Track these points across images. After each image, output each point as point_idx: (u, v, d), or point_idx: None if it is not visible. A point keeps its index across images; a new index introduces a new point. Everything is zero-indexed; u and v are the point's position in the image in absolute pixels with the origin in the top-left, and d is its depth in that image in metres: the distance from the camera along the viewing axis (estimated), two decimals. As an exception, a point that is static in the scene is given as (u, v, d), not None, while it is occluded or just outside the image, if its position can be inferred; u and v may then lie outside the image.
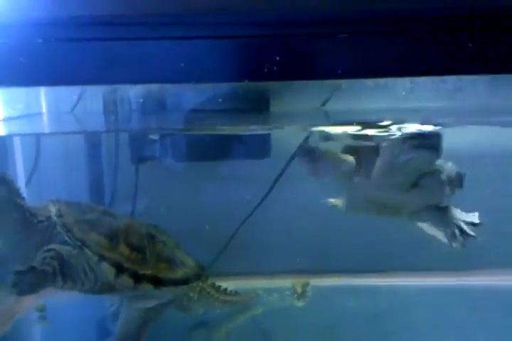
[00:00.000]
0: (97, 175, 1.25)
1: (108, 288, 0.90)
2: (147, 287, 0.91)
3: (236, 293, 1.12)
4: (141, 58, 0.68)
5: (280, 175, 1.22)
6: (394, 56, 0.69)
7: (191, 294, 1.03)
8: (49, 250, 0.86)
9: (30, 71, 0.67)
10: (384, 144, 0.91)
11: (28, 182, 1.22)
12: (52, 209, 0.90)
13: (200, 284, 1.03)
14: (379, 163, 0.92)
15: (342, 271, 1.29)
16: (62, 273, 0.86)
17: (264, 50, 0.68)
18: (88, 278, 0.88)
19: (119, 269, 0.88)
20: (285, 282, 1.26)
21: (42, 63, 0.67)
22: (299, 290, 1.24)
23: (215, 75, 0.70)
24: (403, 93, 0.94)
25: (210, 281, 1.07)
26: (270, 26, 0.69)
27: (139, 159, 1.23)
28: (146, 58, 0.68)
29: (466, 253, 0.99)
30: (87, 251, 0.87)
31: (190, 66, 0.68)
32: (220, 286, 1.09)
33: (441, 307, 1.13)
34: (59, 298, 1.11)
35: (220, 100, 1.02)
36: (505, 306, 1.14)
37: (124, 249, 0.91)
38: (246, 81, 0.70)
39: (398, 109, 1.02)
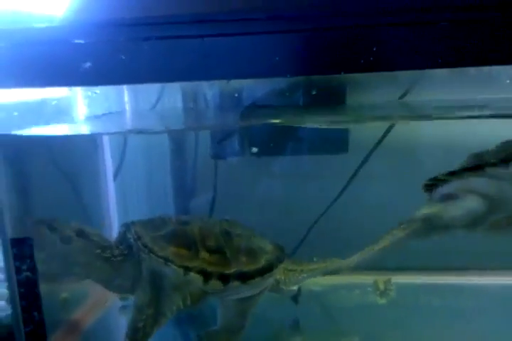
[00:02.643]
0: (179, 172, 1.28)
1: (202, 295, 0.92)
2: (236, 284, 0.92)
3: (317, 260, 1.10)
4: (230, 53, 0.68)
5: (359, 168, 1.21)
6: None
7: (278, 276, 1.03)
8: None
9: (116, 69, 0.70)
10: None
11: (114, 180, 1.27)
12: (130, 236, 0.93)
13: (283, 265, 1.02)
14: None
15: (424, 269, 1.26)
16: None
17: (360, 41, 0.68)
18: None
19: (206, 275, 0.90)
20: (367, 278, 1.24)
21: (128, 61, 0.69)
22: (381, 287, 1.23)
23: (308, 68, 0.70)
24: (507, 81, 0.90)
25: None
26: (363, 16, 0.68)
27: (218, 155, 1.24)
28: (235, 53, 0.68)
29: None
30: (171, 266, 0.89)
31: (282, 59, 0.68)
32: (300, 260, 1.08)
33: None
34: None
35: (297, 94, 1.02)
36: None
37: (204, 254, 0.92)
38: (342, 73, 0.69)
39: (498, 100, 0.98)
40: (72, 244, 0.89)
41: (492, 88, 0.95)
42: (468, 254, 1.21)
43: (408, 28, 0.66)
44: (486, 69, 0.75)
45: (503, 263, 1.19)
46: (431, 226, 0.90)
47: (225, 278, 0.91)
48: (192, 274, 0.89)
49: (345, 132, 1.19)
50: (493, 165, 0.81)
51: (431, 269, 1.26)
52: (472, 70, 0.78)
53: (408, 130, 1.16)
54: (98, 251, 0.91)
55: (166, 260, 0.89)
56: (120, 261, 0.92)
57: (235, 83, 1.00)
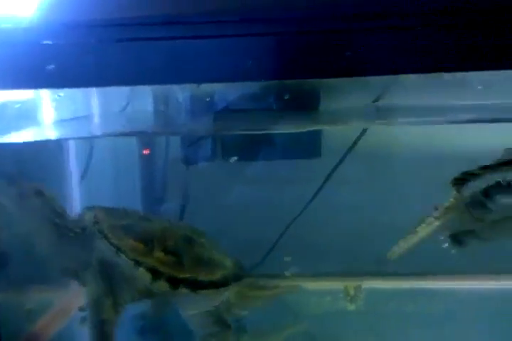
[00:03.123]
0: (148, 177, 1.25)
1: (147, 294, 0.90)
2: (185, 292, 0.90)
3: (275, 287, 1.10)
4: (200, 57, 0.67)
5: (331, 174, 1.20)
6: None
7: (231, 296, 1.01)
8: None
9: (82, 71, 0.67)
10: None
11: (80, 184, 1.24)
12: (88, 218, 0.91)
13: (239, 285, 1.01)
14: None
15: (395, 274, 1.26)
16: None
17: (334, 45, 0.66)
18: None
19: (155, 274, 0.88)
20: (338, 284, 1.23)
21: (95, 63, 0.67)
22: (352, 292, 1.22)
23: (280, 72, 0.68)
24: (479, 87, 0.89)
25: (252, 281, 1.05)
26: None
27: (189, 160, 1.22)
28: (205, 56, 0.67)
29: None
30: (123, 257, 0.87)
31: (254, 63, 0.66)
32: (258, 283, 1.07)
33: (504, 312, 1.09)
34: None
35: (270, 99, 1.01)
36: None
37: (159, 253, 0.90)
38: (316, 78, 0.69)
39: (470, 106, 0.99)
40: (28, 201, 0.86)
41: (465, 94, 0.95)
42: (438, 259, 1.21)
43: (381, 33, 0.65)
44: (459, 74, 0.74)
45: (473, 267, 1.19)
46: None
47: (174, 282, 0.89)
48: (141, 270, 0.87)
49: (317, 136, 1.18)
50: None
51: (401, 274, 1.26)
52: (446, 75, 0.77)
53: (381, 134, 1.16)
54: (51, 215, 0.87)
55: (118, 249, 0.87)
56: (69, 238, 0.89)
57: (207, 87, 0.98)
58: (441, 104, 1.00)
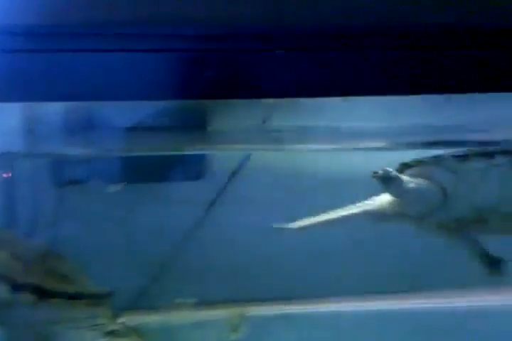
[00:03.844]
0: (14, 201, 1.14)
1: None
2: (28, 298, 0.82)
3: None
4: (65, 73, 0.62)
5: (217, 197, 1.17)
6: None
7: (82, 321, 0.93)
8: None
9: None
10: None
11: None
12: None
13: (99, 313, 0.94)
14: None
15: (282, 299, 1.24)
16: None
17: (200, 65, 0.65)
18: None
19: None
20: (221, 313, 1.19)
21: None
22: (235, 321, 1.17)
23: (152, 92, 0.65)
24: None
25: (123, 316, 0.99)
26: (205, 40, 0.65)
27: (61, 182, 1.14)
28: (71, 73, 0.62)
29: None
30: None
31: (123, 81, 0.64)
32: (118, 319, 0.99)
33: (388, 334, 1.10)
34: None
35: (152, 117, 0.96)
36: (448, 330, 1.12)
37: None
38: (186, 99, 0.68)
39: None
40: None
41: (353, 116, 0.95)
42: (322, 281, 1.21)
43: (249, 54, 0.66)
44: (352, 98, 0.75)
45: (360, 289, 1.20)
46: (384, 212, 0.87)
47: (16, 287, 0.81)
48: None
49: (202, 158, 1.14)
50: (453, 156, 0.81)
51: (285, 299, 1.23)
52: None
53: (267, 156, 1.14)
54: None
55: None
56: None
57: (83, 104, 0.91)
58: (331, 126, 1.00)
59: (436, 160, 0.79)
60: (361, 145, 0.95)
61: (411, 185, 0.80)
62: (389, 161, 0.93)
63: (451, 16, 0.67)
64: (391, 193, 0.83)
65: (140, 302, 1.15)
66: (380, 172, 0.80)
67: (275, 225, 0.93)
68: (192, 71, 0.66)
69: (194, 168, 1.15)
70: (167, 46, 0.65)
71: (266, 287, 1.21)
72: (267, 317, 1.21)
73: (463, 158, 0.78)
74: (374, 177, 0.81)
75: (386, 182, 0.80)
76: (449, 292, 1.20)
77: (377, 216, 0.86)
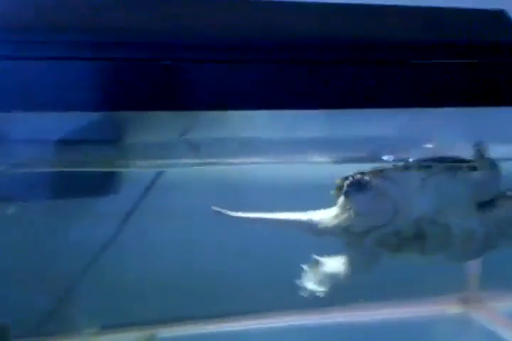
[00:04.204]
0: None
1: None
2: None
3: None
4: None
5: (129, 214, 1.12)
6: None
7: None
8: None
9: None
10: None
11: None
12: None
13: None
14: None
15: (195, 318, 1.20)
16: None
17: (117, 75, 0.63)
18: None
19: None
20: (129, 336, 1.14)
21: None
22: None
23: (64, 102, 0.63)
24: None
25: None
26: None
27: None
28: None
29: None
30: None
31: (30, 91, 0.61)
32: None
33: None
34: None
35: (65, 131, 0.90)
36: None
37: None
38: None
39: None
40: None
41: (277, 128, 0.95)
42: (234, 299, 1.19)
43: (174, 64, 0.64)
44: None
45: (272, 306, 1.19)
46: (326, 225, 0.83)
47: None
48: None
49: (115, 173, 1.09)
50: (393, 167, 0.79)
51: (198, 318, 1.20)
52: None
53: (183, 170, 1.11)
54: None
55: None
56: None
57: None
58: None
59: (380, 171, 0.79)
60: (285, 158, 0.95)
61: (370, 198, 0.79)
62: (313, 174, 0.94)
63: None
64: (352, 205, 0.81)
65: (43, 329, 1.08)
66: (348, 182, 0.78)
67: (214, 208, 0.88)
68: (109, 81, 0.63)
69: (107, 183, 1.09)
70: (75, 54, 0.63)
71: (178, 306, 1.17)
72: (178, 338, 1.18)
73: (403, 168, 0.79)
74: (339, 187, 0.80)
75: (352, 193, 0.78)
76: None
77: (318, 229, 0.84)
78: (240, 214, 0.87)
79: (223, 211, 0.87)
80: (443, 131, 0.93)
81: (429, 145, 0.98)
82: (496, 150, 0.77)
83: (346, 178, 0.80)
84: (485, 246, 0.80)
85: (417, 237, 0.78)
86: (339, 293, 1.10)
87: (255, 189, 1.11)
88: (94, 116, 0.85)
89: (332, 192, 0.83)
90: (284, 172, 1.05)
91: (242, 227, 1.08)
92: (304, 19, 0.75)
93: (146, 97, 0.67)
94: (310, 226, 0.84)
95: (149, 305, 1.15)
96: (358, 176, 0.78)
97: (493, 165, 0.77)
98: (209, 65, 0.67)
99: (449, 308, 1.26)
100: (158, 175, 1.11)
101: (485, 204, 0.79)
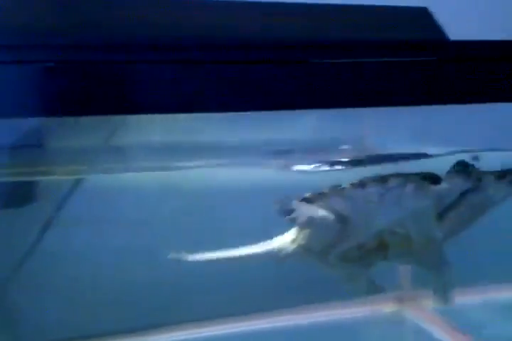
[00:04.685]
0: None
1: None
2: None
3: None
4: None
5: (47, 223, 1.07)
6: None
7: None
8: None
9: None
10: None
11: None
12: None
13: None
14: None
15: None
16: None
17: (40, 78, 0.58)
18: None
19: None
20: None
21: None
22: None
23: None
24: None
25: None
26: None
27: None
28: None
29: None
30: None
31: None
32: None
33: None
34: None
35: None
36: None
37: None
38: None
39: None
40: None
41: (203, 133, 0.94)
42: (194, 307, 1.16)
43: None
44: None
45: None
46: (287, 249, 0.82)
47: None
48: None
49: (32, 181, 1.04)
50: (351, 185, 0.78)
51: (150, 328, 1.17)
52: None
53: (103, 181, 1.08)
54: None
55: None
56: None
57: None
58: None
59: (334, 190, 0.80)
60: (211, 162, 0.94)
61: (313, 215, 0.79)
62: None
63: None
64: (298, 224, 0.81)
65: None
66: (279, 203, 0.78)
67: (172, 255, 0.86)
68: (27, 86, 0.60)
69: (22, 193, 1.04)
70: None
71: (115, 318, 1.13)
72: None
73: (359, 185, 0.79)
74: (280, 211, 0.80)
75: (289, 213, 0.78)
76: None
77: (280, 255, 0.83)
78: (200, 256, 0.86)
79: (181, 255, 0.86)
80: (364, 132, 0.95)
81: (345, 147, 1.01)
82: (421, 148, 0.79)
83: (304, 199, 0.80)
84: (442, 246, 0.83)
85: (379, 248, 0.80)
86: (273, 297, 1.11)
87: (178, 194, 1.10)
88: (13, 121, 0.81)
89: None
90: (210, 177, 1.05)
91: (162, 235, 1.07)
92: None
93: (71, 102, 0.63)
94: (272, 255, 0.83)
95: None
96: (305, 199, 0.79)
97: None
98: (131, 66, 0.64)
99: (385, 307, 1.29)
100: (78, 181, 1.07)
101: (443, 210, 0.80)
